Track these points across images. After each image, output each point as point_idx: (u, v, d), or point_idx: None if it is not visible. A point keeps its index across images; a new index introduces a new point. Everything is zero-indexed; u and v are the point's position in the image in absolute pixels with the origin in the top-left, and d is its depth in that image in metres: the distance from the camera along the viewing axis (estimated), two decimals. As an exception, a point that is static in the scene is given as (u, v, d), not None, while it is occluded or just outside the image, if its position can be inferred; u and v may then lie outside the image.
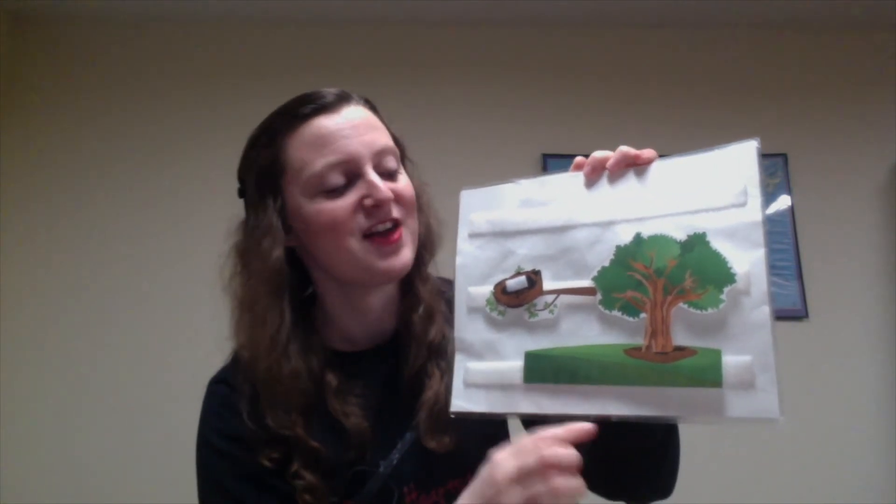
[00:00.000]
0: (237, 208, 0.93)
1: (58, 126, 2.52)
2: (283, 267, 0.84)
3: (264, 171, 0.86)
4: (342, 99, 0.85)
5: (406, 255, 0.85)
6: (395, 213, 0.83)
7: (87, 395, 2.30)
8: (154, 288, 2.40)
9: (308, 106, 0.84)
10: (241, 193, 0.91)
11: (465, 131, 2.61)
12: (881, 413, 2.47)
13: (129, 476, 2.24)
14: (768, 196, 2.60)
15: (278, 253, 0.84)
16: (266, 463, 0.79)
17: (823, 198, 2.64)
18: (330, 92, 0.86)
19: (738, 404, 0.62)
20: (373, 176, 0.82)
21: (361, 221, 0.82)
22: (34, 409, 2.29)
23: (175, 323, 2.35)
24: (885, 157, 2.68)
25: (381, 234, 0.83)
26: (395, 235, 0.83)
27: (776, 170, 2.64)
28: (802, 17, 2.73)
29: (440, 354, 0.88)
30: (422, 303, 0.89)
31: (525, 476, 0.64)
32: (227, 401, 0.83)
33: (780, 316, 2.47)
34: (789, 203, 2.61)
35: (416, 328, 0.88)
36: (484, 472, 0.68)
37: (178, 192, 2.50)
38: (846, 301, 2.56)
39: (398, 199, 0.84)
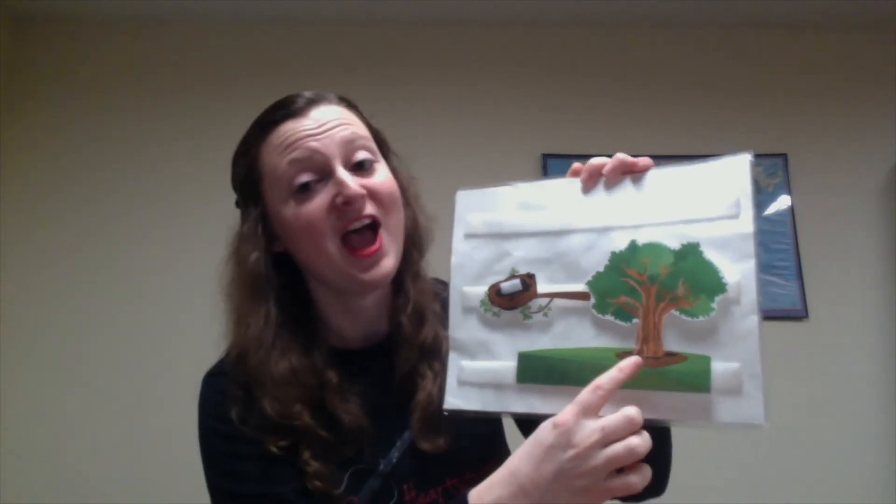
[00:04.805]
0: (235, 209, 0.94)
1: (58, 126, 2.53)
2: (263, 271, 0.85)
3: (244, 180, 0.88)
4: (312, 102, 0.85)
5: (387, 264, 0.84)
6: (370, 209, 0.83)
7: (86, 394, 2.31)
8: (153, 288, 2.41)
9: (278, 112, 0.85)
10: (237, 204, 0.93)
11: (465, 131, 2.61)
12: (881, 413, 2.47)
13: (129, 476, 2.24)
14: (768, 196, 2.61)
15: (255, 257, 0.85)
16: (274, 449, 0.79)
17: (823, 198, 2.63)
18: (302, 96, 0.86)
19: (725, 410, 0.64)
20: (341, 173, 0.81)
21: (336, 222, 0.81)
22: (34, 409, 2.29)
23: (174, 323, 2.35)
24: (885, 157, 2.68)
25: (358, 234, 0.82)
26: (375, 246, 0.82)
27: (776, 170, 2.63)
28: (803, 18, 2.73)
29: (433, 355, 0.87)
30: (411, 303, 0.89)
31: (609, 439, 0.63)
32: (226, 389, 0.83)
33: (780, 316, 2.47)
34: (789, 203, 2.61)
35: (406, 329, 0.88)
36: (549, 438, 0.65)
37: (177, 193, 2.50)
38: (846, 301, 2.55)
39: (373, 195, 0.83)
